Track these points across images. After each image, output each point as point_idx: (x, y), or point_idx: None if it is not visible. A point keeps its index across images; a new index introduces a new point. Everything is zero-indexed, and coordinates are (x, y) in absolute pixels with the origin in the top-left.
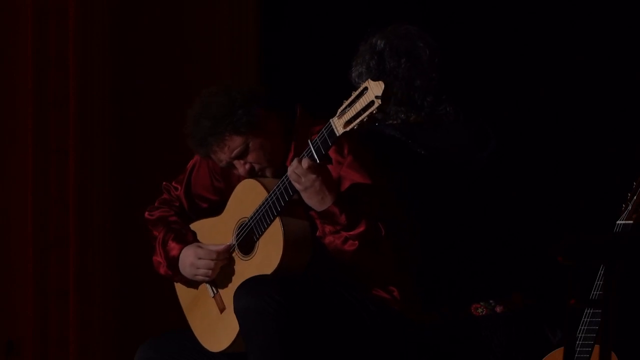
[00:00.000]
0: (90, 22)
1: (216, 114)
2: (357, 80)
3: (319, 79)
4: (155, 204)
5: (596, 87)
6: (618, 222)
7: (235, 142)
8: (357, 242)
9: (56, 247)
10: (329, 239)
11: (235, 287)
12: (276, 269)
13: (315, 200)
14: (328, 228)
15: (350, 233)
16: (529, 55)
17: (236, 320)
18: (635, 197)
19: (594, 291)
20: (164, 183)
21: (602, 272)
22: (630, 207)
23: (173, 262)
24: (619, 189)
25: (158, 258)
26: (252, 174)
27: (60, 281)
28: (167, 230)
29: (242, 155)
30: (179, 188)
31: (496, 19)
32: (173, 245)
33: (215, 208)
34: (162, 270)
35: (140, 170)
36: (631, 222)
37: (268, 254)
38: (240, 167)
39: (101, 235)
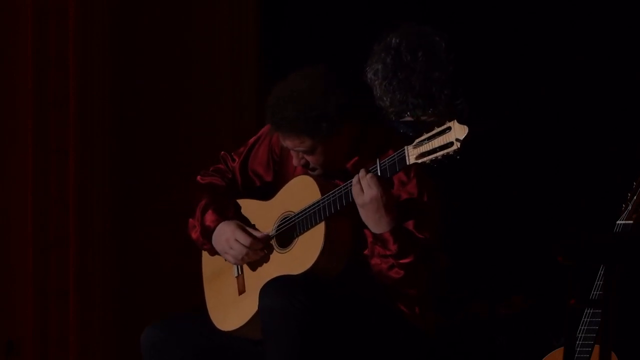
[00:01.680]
0: (90, 22)
1: (303, 111)
2: (372, 78)
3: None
4: (209, 170)
5: (596, 86)
6: (618, 222)
7: (305, 143)
8: (402, 271)
9: (56, 247)
10: (375, 261)
11: (261, 274)
12: (305, 271)
13: (372, 219)
14: (377, 250)
15: (399, 261)
16: (529, 54)
17: (250, 307)
18: (635, 197)
19: (594, 291)
20: (222, 153)
21: (602, 272)
22: (630, 207)
23: (207, 232)
24: (619, 189)
25: (194, 221)
26: (305, 167)
27: (60, 281)
28: (211, 198)
29: (304, 152)
30: (237, 160)
31: (496, 18)
32: (211, 216)
33: (265, 189)
34: (195, 234)
35: (140, 170)
36: (631, 222)
37: (303, 255)
38: (296, 159)
39: (101, 235)
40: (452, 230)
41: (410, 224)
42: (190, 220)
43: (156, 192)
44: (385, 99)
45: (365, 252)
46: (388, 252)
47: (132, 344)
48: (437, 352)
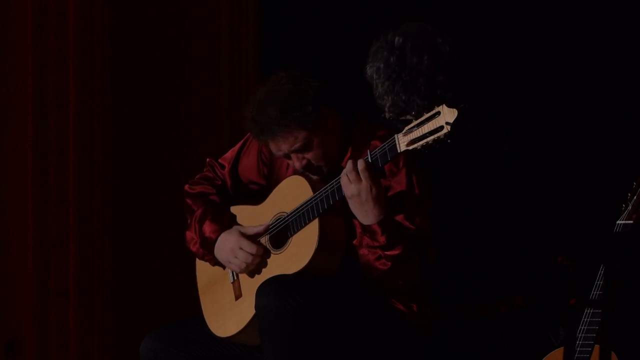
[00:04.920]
0: (90, 22)
1: (285, 104)
2: (374, 77)
3: (319, 79)
4: (196, 179)
5: (596, 86)
6: (618, 222)
7: (299, 136)
8: (389, 263)
9: (56, 247)
10: (363, 251)
11: (257, 278)
12: (302, 269)
13: (361, 210)
14: (366, 240)
15: (386, 253)
16: (529, 54)
17: (248, 311)
18: (635, 197)
19: (594, 291)
20: (208, 159)
21: (602, 272)
22: (630, 207)
23: (207, 243)
24: (619, 189)
25: (192, 234)
26: (307, 168)
27: (60, 281)
28: (206, 208)
29: (302, 150)
30: (226, 166)
31: (495, 18)
32: (210, 226)
33: (261, 191)
34: (194, 247)
35: (140, 170)
36: (631, 222)
37: (298, 253)
38: (297, 161)
39: (101, 235)
40: (452, 230)
41: (399, 217)
42: (188, 233)
43: (156, 192)
44: (386, 97)
45: (354, 242)
46: (376, 244)
47: (132, 344)
48: (436, 352)
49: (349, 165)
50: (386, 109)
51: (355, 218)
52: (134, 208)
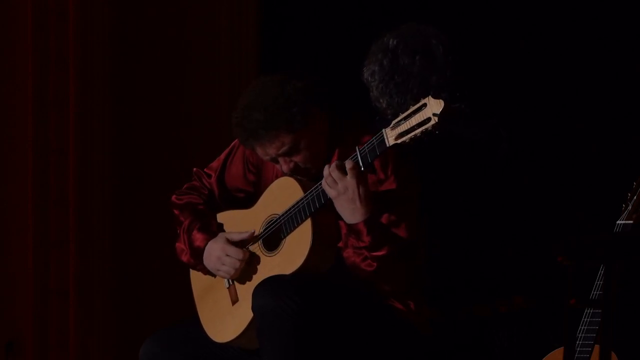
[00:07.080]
0: (90, 22)
1: (270, 108)
2: (369, 79)
3: (309, 80)
4: (183, 189)
5: (596, 86)
6: (618, 222)
7: (286, 139)
8: (375, 264)
9: (56, 247)
10: (348, 253)
11: (252, 281)
12: (297, 270)
13: (348, 209)
14: (351, 241)
15: (372, 254)
16: (529, 55)
17: (246, 315)
18: (635, 197)
19: (594, 291)
20: (194, 169)
21: (602, 272)
22: (630, 207)
23: (197, 252)
24: (619, 189)
25: (181, 245)
26: (295, 171)
27: (60, 281)
28: (193, 218)
29: (289, 153)
30: (212, 175)
31: (495, 18)
32: (198, 236)
33: (248, 199)
34: (185, 258)
35: (141, 170)
36: (631, 222)
37: (292, 254)
38: (285, 164)
39: (101, 235)
40: (452, 230)
41: (385, 218)
42: (178, 244)
43: (156, 192)
44: (382, 100)
45: (340, 244)
46: (362, 244)
47: (132, 344)
48: (436, 352)
49: (333, 165)
50: (382, 111)
51: (341, 219)
52: (134, 208)
